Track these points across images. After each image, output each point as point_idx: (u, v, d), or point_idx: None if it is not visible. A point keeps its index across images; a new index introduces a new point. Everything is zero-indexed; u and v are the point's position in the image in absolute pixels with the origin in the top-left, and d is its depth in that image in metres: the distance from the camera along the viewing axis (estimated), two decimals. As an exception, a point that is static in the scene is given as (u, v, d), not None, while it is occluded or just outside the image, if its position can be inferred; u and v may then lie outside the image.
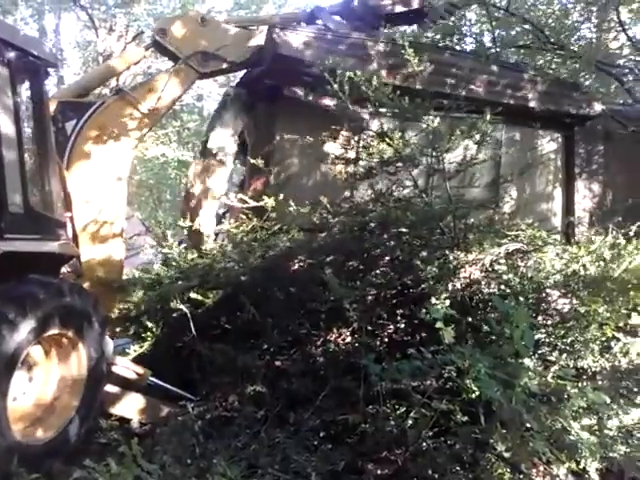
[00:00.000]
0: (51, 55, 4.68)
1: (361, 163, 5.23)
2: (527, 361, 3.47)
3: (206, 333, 4.73)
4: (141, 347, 4.84)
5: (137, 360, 4.77)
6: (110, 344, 4.46)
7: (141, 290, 5.29)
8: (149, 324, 4.89)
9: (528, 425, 3.35)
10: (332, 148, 5.55)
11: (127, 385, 4.59)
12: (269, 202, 5.24)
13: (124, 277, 5.64)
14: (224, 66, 5.99)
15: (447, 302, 3.72)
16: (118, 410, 4.47)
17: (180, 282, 5.11)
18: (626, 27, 9.59)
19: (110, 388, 4.46)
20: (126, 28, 15.67)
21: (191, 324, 4.59)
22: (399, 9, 6.54)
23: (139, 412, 4.54)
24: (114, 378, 4.48)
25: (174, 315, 4.69)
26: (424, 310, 3.81)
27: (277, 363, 4.56)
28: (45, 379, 3.95)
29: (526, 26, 9.06)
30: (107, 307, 5.04)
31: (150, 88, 5.63)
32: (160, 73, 6.19)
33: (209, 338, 4.69)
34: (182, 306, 4.59)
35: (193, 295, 4.72)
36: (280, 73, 6.08)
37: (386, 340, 4.45)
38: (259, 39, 6.11)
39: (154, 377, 4.66)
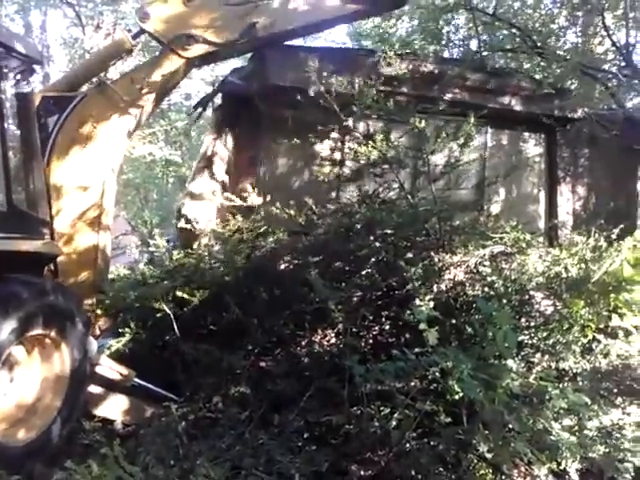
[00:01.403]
0: (36, 52, 4.59)
1: (347, 165, 5.25)
2: (510, 362, 3.51)
3: (191, 333, 4.72)
4: (118, 342, 4.78)
5: (121, 360, 4.74)
6: (94, 344, 4.43)
7: (125, 289, 5.24)
8: (132, 323, 4.86)
9: (510, 426, 3.39)
10: (318, 150, 5.54)
11: (111, 386, 4.55)
12: (255, 201, 5.24)
13: (110, 276, 5.58)
14: (210, 49, 5.44)
15: (431, 304, 3.74)
16: (101, 411, 4.44)
17: (165, 282, 5.08)
18: (611, 32, 9.72)
19: (93, 389, 4.43)
20: (113, 26, 15.55)
21: (174, 325, 4.56)
22: None
23: (123, 413, 4.51)
24: (98, 379, 4.45)
25: (158, 315, 4.66)
26: (408, 312, 3.83)
27: (262, 364, 4.56)
28: (27, 379, 3.91)
29: (513, 30, 9.16)
30: (90, 305, 4.99)
31: (132, 79, 5.30)
32: (143, 64, 5.84)
33: (194, 338, 4.68)
34: (165, 307, 4.56)
35: (178, 294, 4.69)
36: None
37: (371, 341, 4.48)
38: (254, 16, 5.53)
39: (138, 378, 4.63)
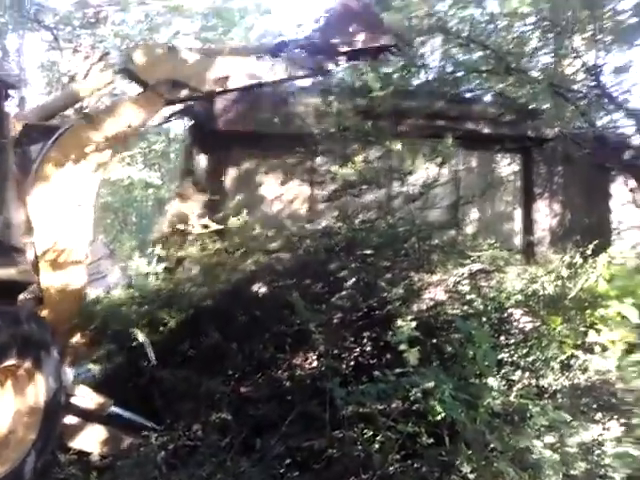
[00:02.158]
0: (11, 76, 4.57)
1: (320, 187, 5.33)
2: (490, 381, 3.53)
3: (169, 358, 4.64)
4: (94, 365, 4.71)
5: (98, 388, 4.62)
6: (69, 374, 4.33)
7: (101, 312, 5.15)
8: (107, 347, 4.77)
9: (492, 445, 3.38)
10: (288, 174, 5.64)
11: (87, 416, 4.43)
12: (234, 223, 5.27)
13: (87, 300, 5.50)
14: (191, 94, 6.01)
15: (412, 324, 3.75)
16: (77, 443, 4.31)
17: (146, 306, 5.01)
18: (580, 54, 9.99)
19: (69, 420, 4.31)
20: (92, 49, 15.52)
21: (150, 351, 4.49)
22: (361, 45, 6.41)
23: (99, 444, 4.39)
24: (73, 409, 4.33)
25: (134, 343, 4.58)
26: (390, 332, 3.83)
27: (242, 389, 4.50)
28: (-1, 412, 3.80)
29: (487, 52, 9.36)
30: (67, 334, 4.90)
31: (116, 113, 5.63)
32: (126, 99, 6.18)
33: (172, 364, 4.60)
34: (140, 334, 4.49)
35: (155, 320, 4.63)
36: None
37: (352, 363, 4.45)
38: (223, 68, 6.11)
39: (115, 406, 4.52)
